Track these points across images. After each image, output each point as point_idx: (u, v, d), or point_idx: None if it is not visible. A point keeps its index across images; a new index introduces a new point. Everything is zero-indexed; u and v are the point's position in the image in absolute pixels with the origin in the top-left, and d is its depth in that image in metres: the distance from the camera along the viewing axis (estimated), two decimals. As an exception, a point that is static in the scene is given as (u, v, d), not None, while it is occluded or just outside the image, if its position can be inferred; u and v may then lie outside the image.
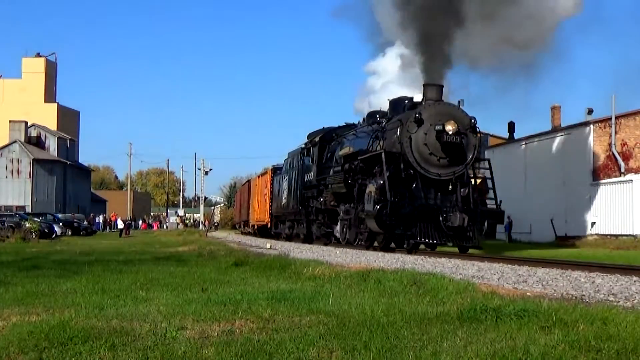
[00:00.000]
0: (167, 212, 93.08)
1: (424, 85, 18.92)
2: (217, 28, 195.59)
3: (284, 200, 30.78)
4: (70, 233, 42.27)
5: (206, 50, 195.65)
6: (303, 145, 28.16)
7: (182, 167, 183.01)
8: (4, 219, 35.72)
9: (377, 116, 21.61)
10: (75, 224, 45.76)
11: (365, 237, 20.01)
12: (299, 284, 8.52)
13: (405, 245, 18.03)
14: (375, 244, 20.15)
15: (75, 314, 5.80)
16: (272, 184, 34.87)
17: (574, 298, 6.81)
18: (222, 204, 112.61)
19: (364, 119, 23.44)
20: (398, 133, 18.37)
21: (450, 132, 17.44)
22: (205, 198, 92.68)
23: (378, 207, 17.55)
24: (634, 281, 8.48)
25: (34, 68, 78.89)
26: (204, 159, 79.53)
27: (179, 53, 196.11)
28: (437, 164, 17.98)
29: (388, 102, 20.90)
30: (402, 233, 17.73)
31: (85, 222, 51.96)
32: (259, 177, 42.31)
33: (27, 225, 33.10)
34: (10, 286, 8.36)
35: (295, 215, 28.91)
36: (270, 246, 21.33)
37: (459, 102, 18.68)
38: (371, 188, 18.30)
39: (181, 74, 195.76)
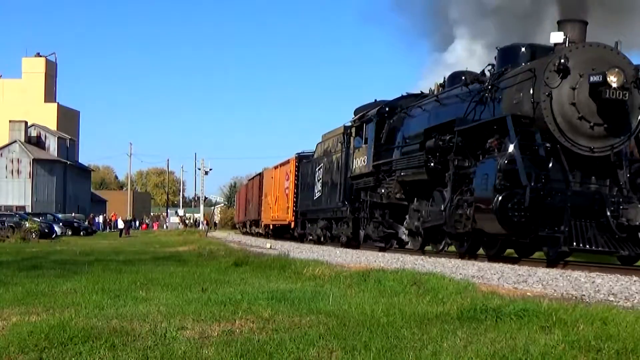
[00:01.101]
0: (167, 212, 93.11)
1: (559, 22, 13.33)
2: (216, 28, 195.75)
3: (317, 194, 24.98)
4: (70, 233, 42.32)
5: (206, 51, 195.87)
6: (349, 123, 21.90)
7: (182, 167, 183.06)
8: (4, 219, 35.71)
9: (464, 77, 15.63)
10: (75, 224, 45.80)
11: (463, 240, 14.48)
12: (299, 284, 8.52)
13: (549, 254, 12.24)
14: (471, 250, 14.61)
15: (75, 314, 5.79)
16: (297, 176, 29.12)
17: (574, 298, 6.81)
18: (222, 204, 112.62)
19: (440, 85, 17.76)
20: (531, 90, 12.87)
21: (615, 86, 11.99)
22: (205, 198, 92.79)
23: (500, 197, 11.86)
24: (634, 281, 8.48)
25: (34, 68, 79.00)
26: (204, 159, 79.75)
27: (179, 53, 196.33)
28: (588, 134, 12.58)
29: (496, 51, 14.93)
30: (550, 235, 11.78)
31: (86, 222, 52.02)
32: (276, 168, 34.83)
33: (27, 225, 33.08)
34: (10, 286, 8.34)
35: (334, 212, 22.86)
36: (270, 246, 21.32)
37: (616, 43, 13.18)
38: (487, 169, 12.64)
39: (181, 74, 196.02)
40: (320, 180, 24.69)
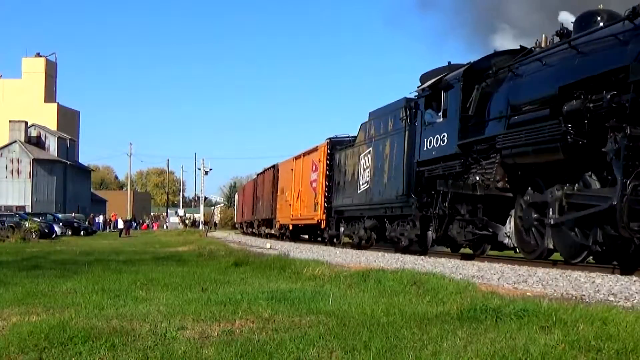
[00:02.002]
0: (167, 212, 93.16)
1: None
2: (216, 28, 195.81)
3: (363, 186, 20.03)
4: (70, 233, 42.35)
5: (206, 50, 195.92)
6: (416, 93, 16.93)
7: (182, 167, 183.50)
8: (4, 219, 35.72)
9: (599, 18, 11.53)
10: (75, 224, 45.83)
11: (631, 247, 9.96)
12: (299, 284, 8.53)
13: None
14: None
15: (75, 314, 5.80)
16: (329, 165, 24.11)
17: (574, 298, 6.81)
18: (222, 204, 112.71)
19: (557, 35, 12.76)
20: None
21: None
22: (205, 198, 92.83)
23: None
24: (634, 281, 8.47)
25: (34, 68, 79.08)
26: (204, 159, 79.88)
27: (179, 52, 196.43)
28: None
29: None
30: None
31: (86, 222, 52.04)
32: (297, 158, 29.36)
33: (27, 225, 33.13)
34: (10, 286, 8.35)
35: (390, 208, 18.16)
36: (270, 246, 21.31)
37: None
38: None
39: (181, 74, 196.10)
40: (368, 169, 19.72)
